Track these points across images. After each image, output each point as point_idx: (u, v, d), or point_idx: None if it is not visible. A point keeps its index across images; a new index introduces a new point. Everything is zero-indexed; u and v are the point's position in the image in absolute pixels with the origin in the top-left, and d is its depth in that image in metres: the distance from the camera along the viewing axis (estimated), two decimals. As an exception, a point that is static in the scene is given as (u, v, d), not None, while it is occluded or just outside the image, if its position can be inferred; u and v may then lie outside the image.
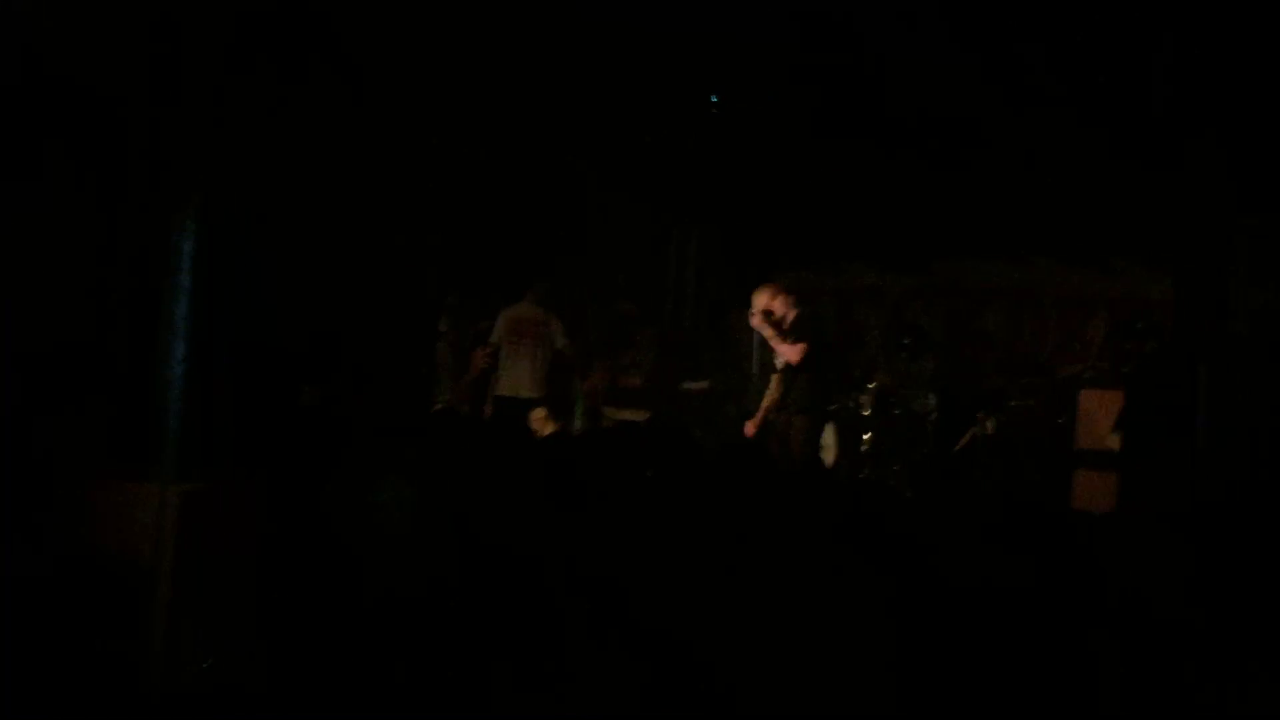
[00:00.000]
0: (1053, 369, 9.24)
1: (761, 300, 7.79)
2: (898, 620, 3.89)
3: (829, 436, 9.05)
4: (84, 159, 4.05)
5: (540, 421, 7.26)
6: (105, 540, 3.76)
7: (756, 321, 7.76)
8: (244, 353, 4.46)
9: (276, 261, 4.77)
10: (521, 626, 3.94)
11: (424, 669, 3.86)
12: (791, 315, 7.76)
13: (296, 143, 4.94)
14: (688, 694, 3.72)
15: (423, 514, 4.44)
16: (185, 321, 4.05)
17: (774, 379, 7.88)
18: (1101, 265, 9.57)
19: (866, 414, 9.16)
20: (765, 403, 7.87)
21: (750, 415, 8.25)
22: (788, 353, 7.69)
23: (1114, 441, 6.42)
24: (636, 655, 3.83)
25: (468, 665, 3.80)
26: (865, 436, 9.17)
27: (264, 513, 4.18)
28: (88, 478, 3.83)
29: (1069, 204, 9.08)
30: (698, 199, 10.78)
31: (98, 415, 3.94)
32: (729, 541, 4.30)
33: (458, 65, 7.47)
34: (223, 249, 4.17)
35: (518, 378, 9.07)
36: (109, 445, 3.93)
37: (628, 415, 9.41)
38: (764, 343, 7.81)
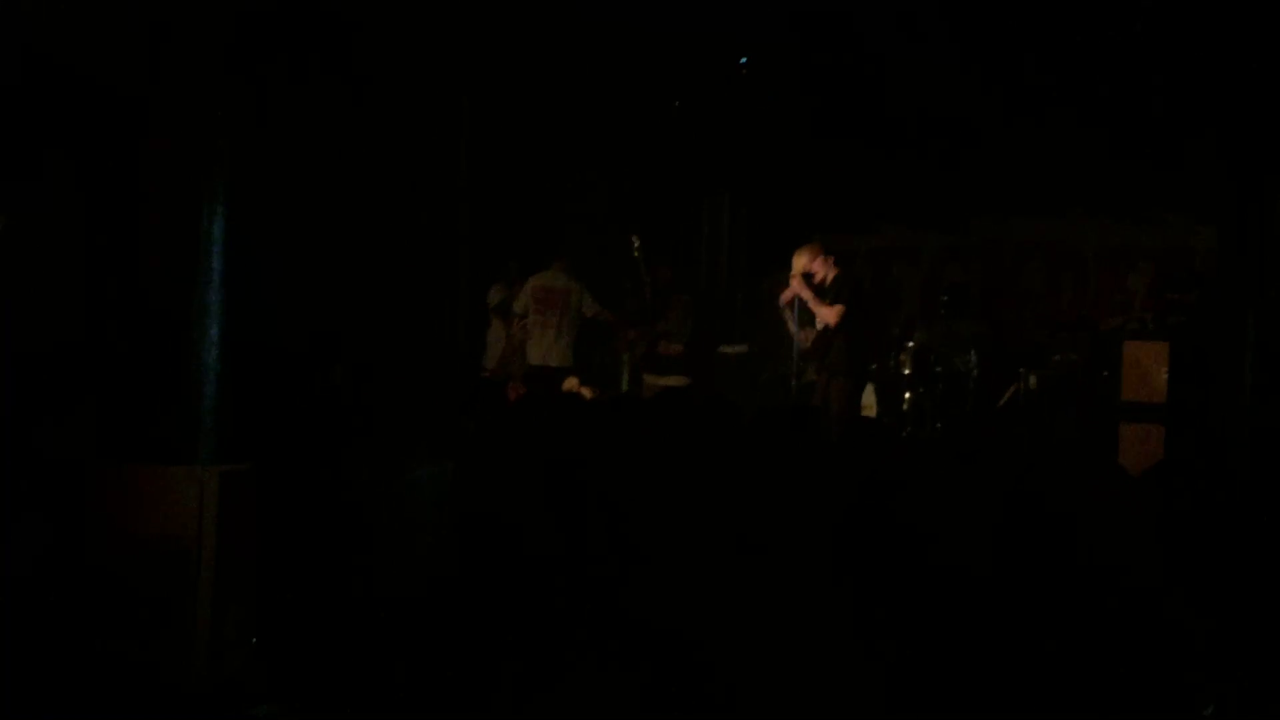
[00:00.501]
0: (1095, 323, 9.13)
1: (801, 261, 7.79)
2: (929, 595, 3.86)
3: (869, 396, 9.01)
4: (85, 155, 4.06)
5: (573, 388, 7.26)
6: (142, 525, 3.78)
7: (796, 284, 7.74)
8: (268, 336, 4.48)
9: (297, 242, 4.78)
10: (562, 610, 3.93)
11: (457, 651, 3.87)
12: (831, 275, 7.79)
13: (308, 123, 4.93)
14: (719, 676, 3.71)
15: (457, 492, 4.44)
16: (219, 306, 4.07)
17: (810, 334, 7.84)
18: (1142, 216, 9.41)
19: (906, 373, 9.10)
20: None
21: (787, 377, 8.24)
22: (826, 315, 7.69)
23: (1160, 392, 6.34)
24: (674, 636, 3.82)
25: (506, 650, 3.80)
26: (906, 395, 9.11)
27: (294, 494, 4.19)
28: (115, 465, 3.86)
29: (1107, 156, 8.95)
30: (730, 162, 10.70)
31: (111, 407, 3.96)
32: (766, 512, 4.27)
33: (484, 33, 7.44)
34: (243, 234, 4.18)
35: (546, 347, 9.07)
36: (123, 435, 3.94)
37: (668, 382, 9.39)
38: (803, 305, 7.77)
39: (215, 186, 4.12)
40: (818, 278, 7.78)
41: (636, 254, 9.33)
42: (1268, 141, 6.24)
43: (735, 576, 3.84)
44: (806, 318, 7.90)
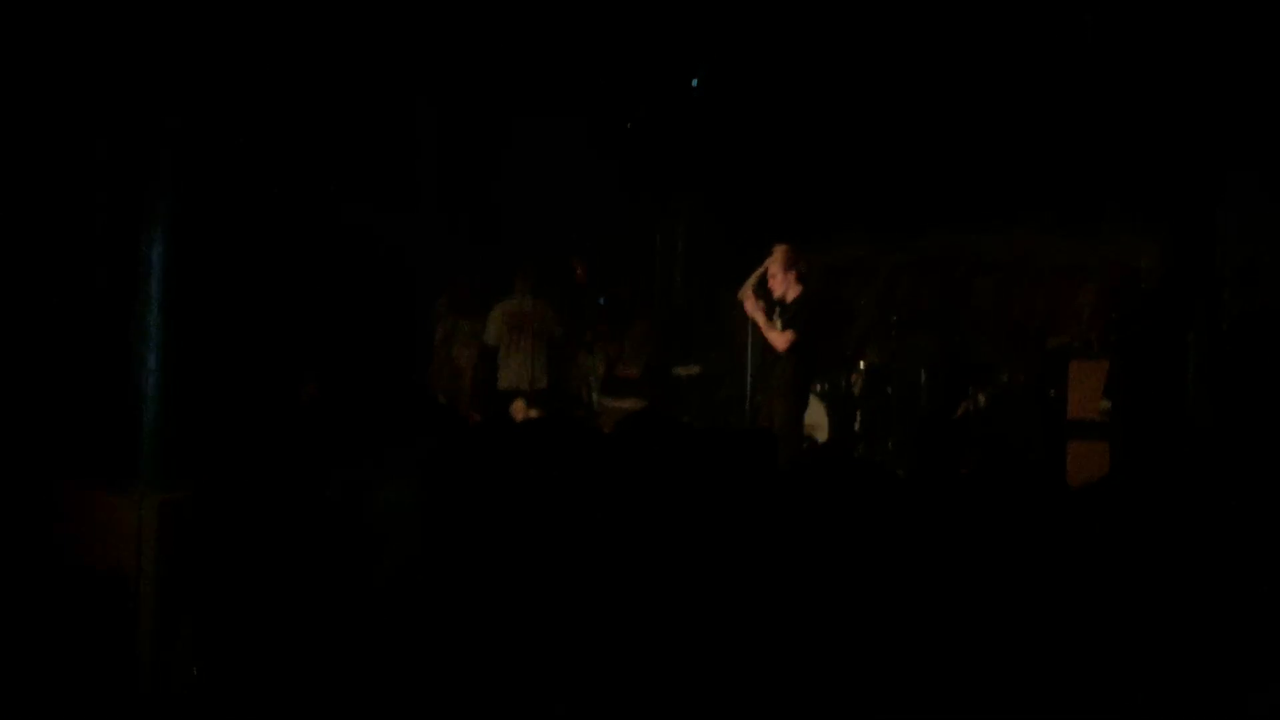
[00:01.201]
0: (1043, 340, 9.20)
1: (773, 263, 7.48)
2: (893, 608, 3.86)
3: (819, 416, 9.00)
4: (43, 165, 4.01)
5: (519, 412, 7.23)
6: (84, 551, 3.73)
7: (749, 308, 7.47)
8: (223, 356, 4.43)
9: (248, 265, 4.73)
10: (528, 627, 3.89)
11: (422, 676, 3.83)
12: (793, 294, 7.48)
13: (272, 140, 4.89)
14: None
15: (423, 515, 4.39)
16: (157, 330, 4.02)
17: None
18: (1091, 233, 9.49)
19: (856, 393, 9.13)
20: None
21: (741, 398, 8.19)
22: (776, 341, 7.41)
23: (1101, 411, 6.40)
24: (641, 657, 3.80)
25: (471, 678, 3.77)
26: (857, 414, 9.14)
27: (251, 518, 4.13)
28: (60, 488, 3.81)
29: (1056, 172, 9.03)
30: (682, 178, 10.72)
31: (61, 425, 3.90)
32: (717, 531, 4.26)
33: (435, 44, 7.43)
34: (194, 253, 4.14)
35: (518, 370, 9.04)
36: (76, 454, 3.88)
37: (624, 404, 9.39)
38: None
39: (156, 208, 4.07)
40: (777, 291, 7.48)
41: (579, 279, 9.33)
42: (1212, 155, 6.32)
43: (699, 603, 3.84)
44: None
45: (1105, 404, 6.32)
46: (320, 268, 5.49)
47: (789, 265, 7.46)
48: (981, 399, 8.70)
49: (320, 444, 4.76)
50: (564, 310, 9.33)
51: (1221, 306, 6.23)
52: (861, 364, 9.23)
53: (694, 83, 9.97)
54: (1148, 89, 7.08)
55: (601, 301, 10.22)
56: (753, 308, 7.46)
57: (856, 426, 9.13)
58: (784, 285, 7.46)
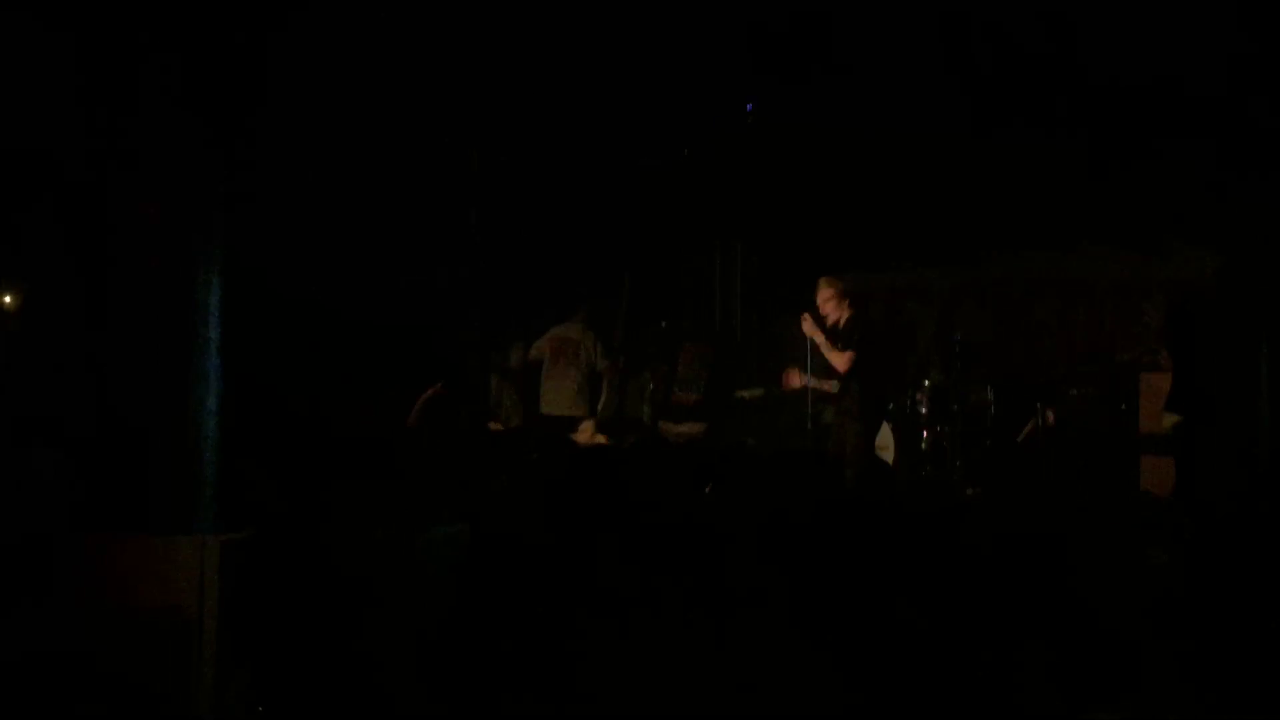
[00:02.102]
0: (1111, 356, 9.06)
1: (819, 298, 7.84)
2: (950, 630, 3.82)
3: (887, 437, 8.96)
4: (74, 217, 4.08)
5: (586, 435, 7.28)
6: (142, 598, 3.78)
7: (808, 328, 7.74)
8: (279, 397, 4.49)
9: (302, 304, 4.80)
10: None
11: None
12: (845, 318, 7.83)
13: (310, 178, 4.96)
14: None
15: (472, 555, 4.39)
16: (216, 374, 4.09)
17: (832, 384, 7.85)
18: (1152, 248, 9.38)
19: (924, 412, 9.06)
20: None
21: (804, 420, 8.22)
22: (836, 361, 7.74)
23: (1167, 426, 6.29)
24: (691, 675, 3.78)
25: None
26: (924, 435, 9.06)
27: (302, 558, 4.18)
28: (112, 536, 3.86)
29: (1115, 188, 8.93)
30: (741, 208, 10.73)
31: (118, 468, 3.96)
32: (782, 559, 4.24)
33: (491, 75, 7.51)
34: (249, 297, 4.21)
35: (558, 396, 9.07)
36: (120, 505, 3.93)
37: (683, 429, 9.38)
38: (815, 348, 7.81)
39: (211, 252, 4.14)
40: (831, 319, 7.83)
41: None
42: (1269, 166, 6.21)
43: (764, 641, 3.82)
44: (821, 364, 7.89)
45: (1170, 419, 6.22)
46: (374, 308, 5.54)
47: (834, 294, 7.83)
48: (1050, 416, 8.59)
49: (373, 483, 4.80)
50: (612, 339, 9.37)
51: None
52: (927, 383, 9.15)
53: (749, 107, 10.00)
54: (1203, 99, 6.98)
55: (663, 325, 10.27)
56: (811, 328, 7.76)
57: (923, 446, 9.06)
58: (836, 312, 7.83)
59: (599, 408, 9.06)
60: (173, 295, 3.97)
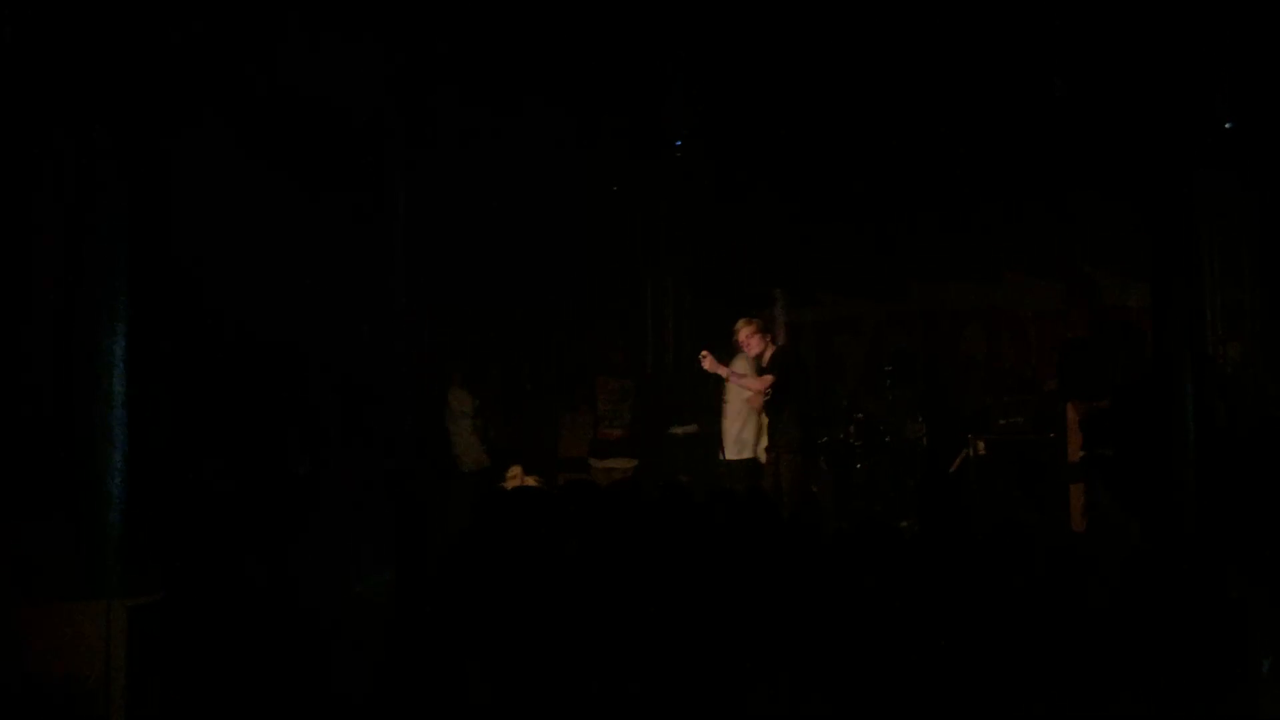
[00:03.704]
0: (1039, 384, 9.13)
1: (740, 337, 7.91)
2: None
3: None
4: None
5: (516, 479, 7.20)
6: (44, 666, 3.61)
7: (708, 365, 7.81)
8: (186, 454, 4.33)
9: (216, 353, 4.65)
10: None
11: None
12: (769, 352, 7.93)
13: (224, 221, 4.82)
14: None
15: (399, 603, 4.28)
16: (121, 428, 3.93)
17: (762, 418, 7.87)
18: (1076, 277, 9.50)
19: (856, 445, 9.05)
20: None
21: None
22: (753, 386, 7.77)
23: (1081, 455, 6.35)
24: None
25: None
26: (858, 467, 9.06)
27: (220, 617, 4.03)
28: (10, 604, 3.68)
29: (1038, 218, 9.06)
30: (669, 243, 10.71)
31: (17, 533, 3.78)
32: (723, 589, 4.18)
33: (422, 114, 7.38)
34: (152, 349, 4.05)
35: (465, 452, 9.05)
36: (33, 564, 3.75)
37: (611, 464, 9.30)
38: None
39: (116, 300, 3.98)
40: (753, 353, 7.90)
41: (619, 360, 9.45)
42: (1189, 194, 6.27)
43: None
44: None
45: (1077, 448, 6.30)
46: (289, 362, 5.38)
47: (753, 329, 7.92)
48: (981, 446, 8.63)
49: (299, 533, 4.67)
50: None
51: (1206, 350, 6.17)
52: (859, 415, 9.16)
53: (678, 143, 9.98)
54: (1122, 126, 7.05)
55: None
56: (712, 364, 7.82)
57: (856, 479, 9.06)
58: (759, 347, 7.93)
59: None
60: (74, 346, 3.80)
